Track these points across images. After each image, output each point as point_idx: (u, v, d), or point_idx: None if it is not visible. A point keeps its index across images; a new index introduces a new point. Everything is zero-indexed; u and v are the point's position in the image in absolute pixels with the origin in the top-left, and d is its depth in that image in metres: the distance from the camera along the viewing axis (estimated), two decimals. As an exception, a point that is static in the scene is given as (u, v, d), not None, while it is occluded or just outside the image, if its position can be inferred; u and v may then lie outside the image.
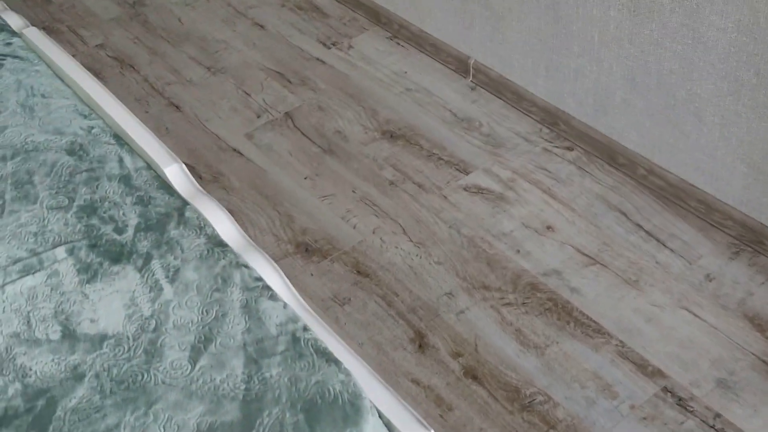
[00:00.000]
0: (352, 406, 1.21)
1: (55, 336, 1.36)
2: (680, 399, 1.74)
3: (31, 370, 1.31)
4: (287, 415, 1.21)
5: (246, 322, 1.34)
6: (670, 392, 1.76)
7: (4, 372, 1.31)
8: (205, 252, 1.46)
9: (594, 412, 1.74)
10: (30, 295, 1.42)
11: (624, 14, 2.01)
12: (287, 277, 2.06)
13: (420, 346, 1.90)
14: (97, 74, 2.76)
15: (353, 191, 2.28)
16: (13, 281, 1.44)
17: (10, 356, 1.33)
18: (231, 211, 2.24)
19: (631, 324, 1.89)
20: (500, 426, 1.73)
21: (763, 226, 1.98)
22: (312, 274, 2.07)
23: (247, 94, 2.62)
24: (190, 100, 2.62)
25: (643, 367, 1.81)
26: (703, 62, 1.90)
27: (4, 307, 1.41)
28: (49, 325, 1.37)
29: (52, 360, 1.32)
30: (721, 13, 1.80)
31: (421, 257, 2.09)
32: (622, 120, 2.19)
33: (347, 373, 1.26)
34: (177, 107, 2.60)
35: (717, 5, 1.80)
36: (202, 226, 1.51)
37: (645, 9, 1.95)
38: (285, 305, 1.37)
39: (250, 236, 2.17)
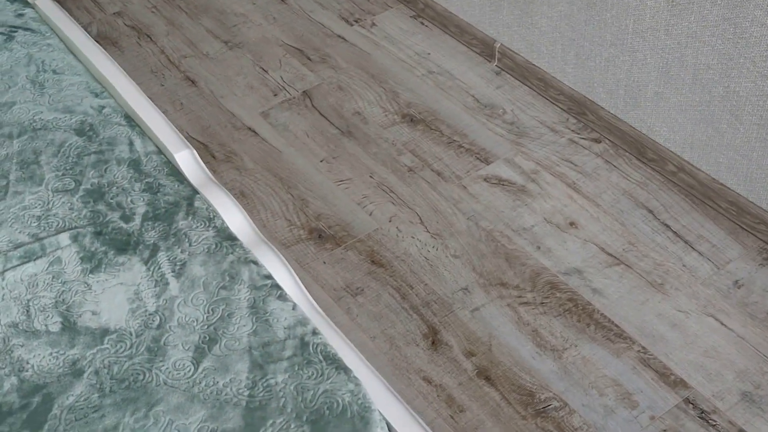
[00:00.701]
0: (361, 420, 1.16)
1: (55, 328, 1.31)
2: (703, 411, 1.68)
3: (28, 363, 1.26)
4: (292, 426, 1.15)
5: (253, 324, 1.28)
6: (693, 404, 1.69)
7: (0, 364, 1.26)
8: (214, 246, 1.40)
9: (612, 421, 1.68)
10: (30, 283, 1.37)
11: (661, 4, 1.91)
12: (298, 264, 2.01)
13: (433, 342, 1.84)
14: (113, 43, 2.69)
15: (371, 176, 2.21)
16: (13, 267, 1.39)
17: (8, 348, 1.28)
18: (243, 193, 2.18)
19: (655, 329, 1.82)
20: (512, 431, 1.67)
21: (797, 232, 1.90)
22: (324, 262, 2.01)
23: (265, 70, 2.55)
24: (206, 74, 2.55)
25: (665, 375, 1.74)
26: (743, 59, 1.81)
27: (3, 295, 1.36)
28: (48, 316, 1.32)
29: (51, 354, 1.27)
30: (766, 8, 1.70)
31: (437, 249, 2.02)
32: (653, 114, 2.10)
33: (357, 383, 1.20)
34: (192, 82, 2.53)
35: (762, -1, 1.70)
36: (211, 218, 1.45)
37: (684, -1, 1.86)
38: (294, 306, 1.31)
39: (261, 219, 2.11)
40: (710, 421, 1.66)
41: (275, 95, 2.46)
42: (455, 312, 1.89)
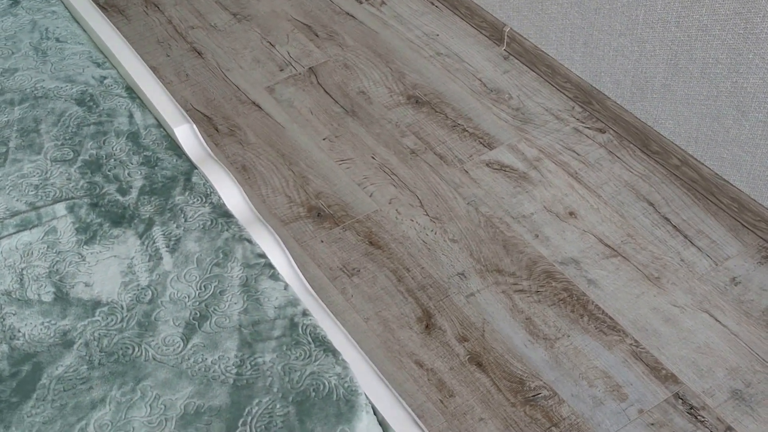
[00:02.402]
0: (346, 403, 1.16)
1: (48, 298, 1.31)
2: (692, 407, 1.68)
3: (19, 332, 1.27)
4: (278, 405, 1.16)
5: (244, 302, 1.28)
6: (682, 399, 1.69)
7: (-8, 332, 1.27)
8: (209, 222, 1.40)
9: (600, 413, 1.68)
10: (25, 252, 1.38)
11: (673, -5, 1.89)
12: (296, 242, 2.01)
13: (427, 326, 1.84)
14: (120, 11, 2.68)
15: (372, 157, 2.20)
16: (9, 235, 1.39)
17: (0, 316, 1.29)
18: (245, 168, 2.18)
19: (648, 323, 1.82)
20: (501, 418, 1.68)
21: (798, 231, 1.89)
22: (322, 241, 2.01)
23: (272, 45, 2.53)
24: (212, 46, 2.54)
25: (656, 369, 1.74)
26: (752, 54, 1.79)
27: (-2, 263, 1.36)
28: (42, 285, 1.33)
29: (42, 323, 1.28)
30: (778, 4, 1.68)
31: (436, 233, 2.01)
32: (659, 106, 2.08)
33: (344, 366, 1.21)
34: (199, 53, 2.52)
35: (774, -5, 1.68)
36: (208, 194, 1.45)
37: (696, -8, 1.83)
38: (286, 286, 1.31)
39: (262, 195, 2.11)
40: (699, 417, 1.67)
41: (281, 70, 2.45)
42: (450, 297, 1.89)
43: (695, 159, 2.05)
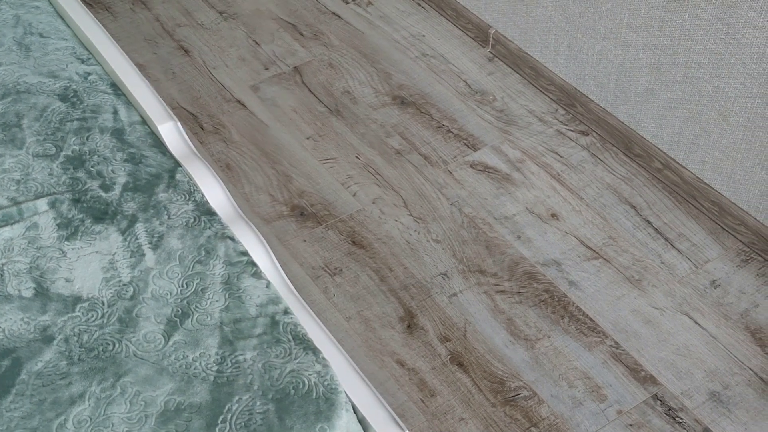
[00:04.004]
0: (326, 401, 1.16)
1: (28, 293, 1.31)
2: (670, 409, 1.69)
3: (-1, 327, 1.26)
4: (257, 403, 1.16)
5: (225, 300, 1.28)
6: (660, 400, 1.71)
7: (-29, 327, 1.26)
8: (192, 220, 1.40)
9: (579, 413, 1.69)
10: (6, 248, 1.37)
11: (657, 0, 1.91)
12: (278, 241, 2.01)
13: (409, 326, 1.85)
14: (107, 8, 2.67)
15: (357, 157, 2.20)
16: (-10, 231, 1.39)
17: (-20, 311, 1.28)
18: (228, 166, 2.18)
19: (629, 325, 1.83)
20: (481, 418, 1.69)
21: (776, 235, 1.91)
22: (305, 240, 2.01)
23: (257, 43, 2.53)
24: (199, 44, 2.53)
25: (635, 371, 1.75)
26: (734, 59, 1.81)
27: (-22, 258, 1.36)
28: (22, 281, 1.32)
29: (22, 319, 1.27)
30: (760, 9, 1.70)
31: (419, 233, 2.02)
32: (642, 109, 2.10)
33: (325, 364, 1.21)
34: (186, 51, 2.51)
35: (757, 1, 1.70)
36: (191, 192, 1.45)
37: (679, -3, 1.85)
38: (268, 284, 1.31)
39: (245, 193, 2.11)
40: (677, 418, 1.68)
41: (266, 69, 2.45)
42: (433, 297, 1.89)
43: (677, 162, 2.07)
